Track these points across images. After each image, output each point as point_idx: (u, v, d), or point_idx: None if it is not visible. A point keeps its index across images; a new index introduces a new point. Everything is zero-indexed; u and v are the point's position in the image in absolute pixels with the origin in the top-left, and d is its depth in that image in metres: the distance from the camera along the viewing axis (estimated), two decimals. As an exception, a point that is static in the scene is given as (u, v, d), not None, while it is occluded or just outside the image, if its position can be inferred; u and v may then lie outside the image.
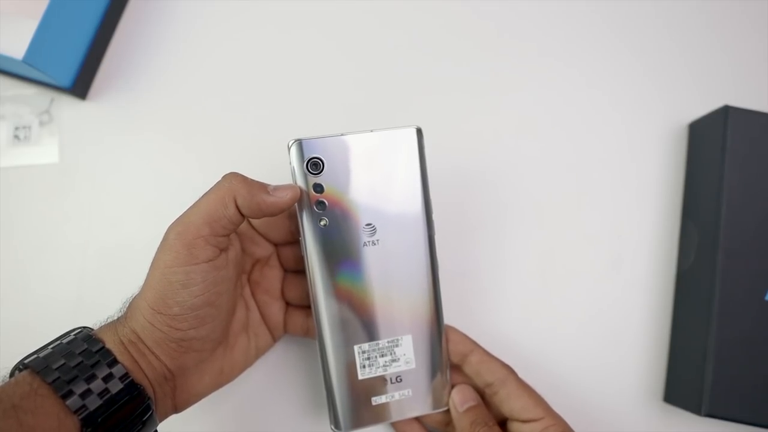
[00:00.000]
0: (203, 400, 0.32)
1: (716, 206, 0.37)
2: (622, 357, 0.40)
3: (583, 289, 0.40)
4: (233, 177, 0.29)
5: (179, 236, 0.28)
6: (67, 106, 0.41)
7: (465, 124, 0.42)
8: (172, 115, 0.41)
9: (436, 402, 0.33)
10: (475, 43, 0.43)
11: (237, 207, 0.29)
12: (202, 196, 0.29)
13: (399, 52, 0.43)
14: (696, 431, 0.38)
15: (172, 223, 0.29)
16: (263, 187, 0.29)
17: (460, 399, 0.33)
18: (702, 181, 0.40)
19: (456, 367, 0.35)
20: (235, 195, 0.28)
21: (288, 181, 0.31)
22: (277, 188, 0.30)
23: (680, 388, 0.38)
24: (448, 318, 0.34)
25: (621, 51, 0.43)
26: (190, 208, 0.29)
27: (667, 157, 0.42)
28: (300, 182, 0.30)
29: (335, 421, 0.32)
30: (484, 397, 0.34)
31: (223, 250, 0.30)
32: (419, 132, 0.31)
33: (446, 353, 0.34)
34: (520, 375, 0.34)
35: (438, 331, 0.33)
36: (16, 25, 0.36)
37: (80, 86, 0.40)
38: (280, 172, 0.39)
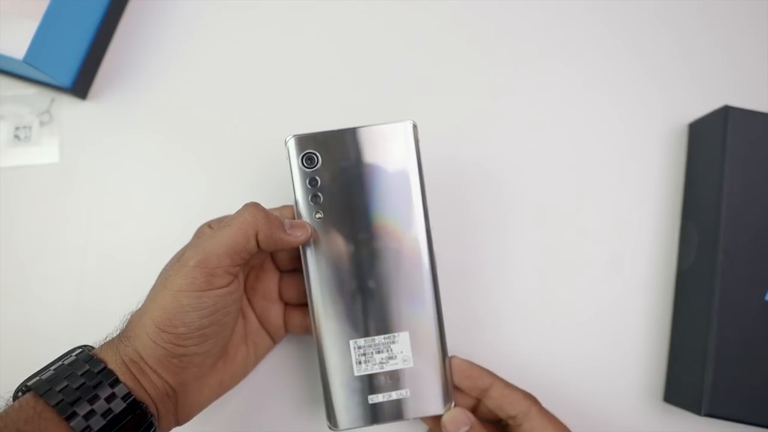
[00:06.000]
0: None
1: (716, 206, 0.37)
2: (622, 357, 0.40)
3: (583, 289, 0.40)
4: (256, 211, 0.30)
5: (200, 264, 0.28)
6: (68, 106, 0.41)
7: (464, 124, 0.42)
8: (172, 115, 0.41)
9: (436, 404, 0.33)
10: (473, 44, 0.43)
11: (257, 241, 0.29)
12: (225, 227, 0.29)
13: (398, 53, 0.43)
14: (696, 431, 0.38)
15: (192, 250, 0.29)
16: (281, 224, 0.30)
17: (452, 427, 0.33)
18: (702, 181, 0.40)
19: (476, 400, 0.34)
20: (257, 230, 0.29)
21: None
22: (292, 226, 0.31)
23: (680, 388, 0.38)
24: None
25: (620, 51, 0.43)
26: (213, 237, 0.29)
27: (667, 157, 0.42)
28: (296, 176, 0.31)
29: (331, 417, 0.32)
30: (507, 429, 0.34)
31: (236, 276, 0.30)
32: (415, 126, 0.32)
33: (446, 353, 0.33)
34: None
35: (437, 328, 0.33)
36: (16, 25, 0.36)
37: (80, 86, 0.40)
38: (280, 172, 0.39)
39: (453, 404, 0.33)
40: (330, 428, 0.32)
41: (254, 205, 0.30)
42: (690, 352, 0.37)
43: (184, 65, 0.42)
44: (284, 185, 0.39)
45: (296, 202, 0.31)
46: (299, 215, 0.31)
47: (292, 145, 0.31)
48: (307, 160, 0.31)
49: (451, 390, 0.33)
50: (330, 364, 0.32)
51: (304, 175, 0.31)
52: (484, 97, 0.42)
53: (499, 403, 0.33)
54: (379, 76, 0.42)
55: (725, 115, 0.38)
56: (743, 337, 0.35)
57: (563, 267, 0.40)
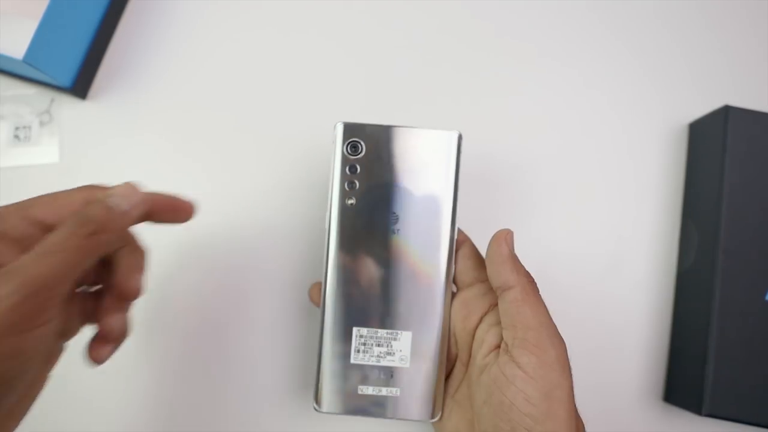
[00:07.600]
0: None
1: (716, 206, 0.37)
2: (622, 357, 0.40)
3: (583, 289, 0.40)
4: None
5: None
6: (68, 106, 0.41)
7: (463, 125, 0.42)
8: (172, 115, 0.41)
9: (423, 411, 0.32)
10: (473, 44, 0.43)
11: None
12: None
13: (397, 53, 0.43)
14: (696, 431, 0.38)
15: None
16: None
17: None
18: (702, 181, 0.40)
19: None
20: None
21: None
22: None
23: (680, 388, 0.38)
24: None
25: (620, 51, 0.43)
26: None
27: (667, 157, 0.42)
28: (337, 161, 0.32)
29: (318, 398, 0.32)
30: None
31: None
32: (460, 137, 0.33)
33: (444, 363, 0.33)
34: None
35: (440, 336, 0.33)
36: (16, 25, 0.36)
37: (80, 86, 0.40)
38: (280, 171, 0.39)
39: (440, 418, 0.32)
40: (315, 409, 0.32)
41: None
42: (690, 352, 0.37)
43: (184, 65, 0.42)
44: (284, 183, 0.39)
45: (332, 185, 0.32)
46: (332, 197, 0.32)
47: (339, 130, 0.32)
48: (352, 147, 0.32)
49: (441, 403, 0.33)
50: (329, 345, 0.32)
51: (345, 160, 0.32)
52: (483, 97, 0.42)
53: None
54: (380, 76, 0.42)
55: (725, 115, 0.38)
56: (743, 337, 0.35)
57: (563, 267, 0.40)
